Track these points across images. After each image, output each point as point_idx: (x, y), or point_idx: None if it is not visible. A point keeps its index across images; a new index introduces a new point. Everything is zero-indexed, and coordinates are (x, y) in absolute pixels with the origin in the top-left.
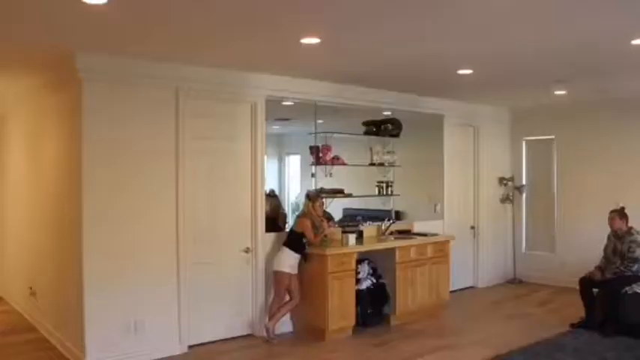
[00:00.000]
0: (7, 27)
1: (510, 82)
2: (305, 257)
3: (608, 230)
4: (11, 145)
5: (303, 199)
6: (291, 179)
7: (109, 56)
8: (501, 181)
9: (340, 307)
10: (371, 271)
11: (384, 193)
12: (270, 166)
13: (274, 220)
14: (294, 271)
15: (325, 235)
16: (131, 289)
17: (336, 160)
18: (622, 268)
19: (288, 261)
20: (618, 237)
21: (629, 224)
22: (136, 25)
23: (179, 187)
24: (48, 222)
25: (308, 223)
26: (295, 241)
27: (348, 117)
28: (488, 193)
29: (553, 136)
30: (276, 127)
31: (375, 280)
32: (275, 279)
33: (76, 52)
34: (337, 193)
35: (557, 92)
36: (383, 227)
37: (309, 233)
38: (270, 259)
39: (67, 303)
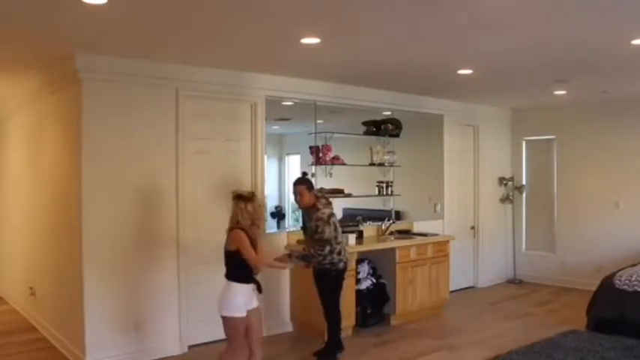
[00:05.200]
0: (8, 27)
1: (510, 82)
2: (259, 287)
3: (609, 229)
4: (11, 146)
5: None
6: (291, 179)
7: (109, 56)
8: (501, 181)
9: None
10: (371, 271)
11: (384, 193)
12: (270, 166)
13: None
14: (251, 306)
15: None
16: (131, 289)
17: (336, 160)
18: (313, 252)
19: (236, 298)
20: (308, 214)
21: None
22: (136, 25)
23: (179, 187)
24: (48, 222)
25: (242, 235)
26: (236, 267)
27: (348, 117)
28: (489, 193)
29: (553, 136)
30: (276, 127)
31: (375, 280)
32: (225, 326)
33: (75, 52)
34: (337, 193)
35: (557, 92)
36: (383, 227)
37: (248, 250)
38: None
39: (67, 303)
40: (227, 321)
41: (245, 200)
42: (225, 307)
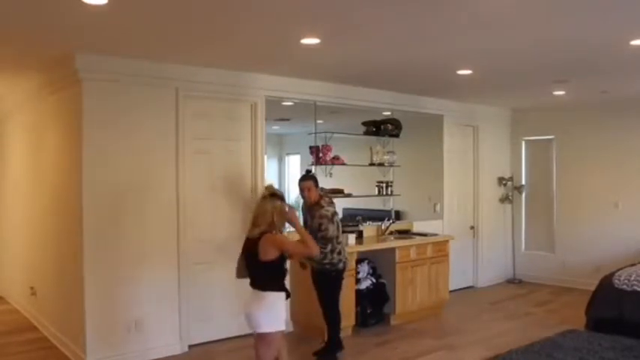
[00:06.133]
0: (8, 27)
1: (510, 82)
2: (288, 294)
3: (608, 229)
4: (11, 146)
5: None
6: (291, 179)
7: (109, 56)
8: (501, 181)
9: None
10: (371, 271)
11: (384, 193)
12: (270, 166)
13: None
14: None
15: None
16: (131, 289)
17: (336, 160)
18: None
19: (281, 310)
20: (310, 212)
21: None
22: (136, 25)
23: (179, 187)
24: (48, 222)
25: (279, 236)
26: (273, 274)
27: (348, 117)
28: (488, 193)
29: (553, 136)
30: (276, 127)
31: (375, 280)
32: (262, 344)
33: (76, 52)
34: (337, 193)
35: (557, 92)
36: (383, 227)
37: (294, 246)
38: None
39: (68, 303)
40: (268, 337)
41: (281, 199)
42: (270, 322)
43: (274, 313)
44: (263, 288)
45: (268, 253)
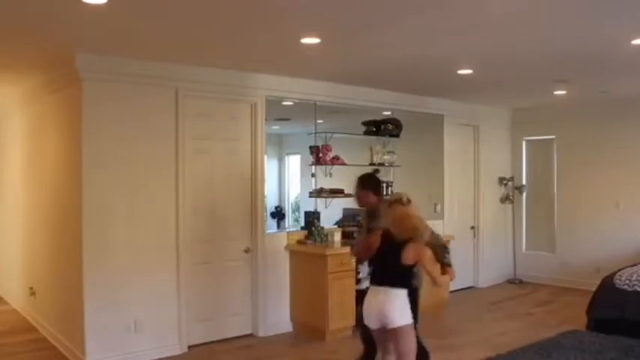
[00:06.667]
0: (8, 27)
1: (510, 82)
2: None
3: (609, 229)
4: (11, 146)
5: (302, 199)
6: (291, 179)
7: (109, 56)
8: (501, 181)
9: (340, 307)
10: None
11: (385, 193)
12: (270, 166)
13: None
14: None
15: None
16: (131, 289)
17: (336, 160)
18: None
19: (409, 306)
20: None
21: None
22: (136, 25)
23: (179, 187)
24: (48, 222)
25: (426, 256)
26: (407, 275)
27: (348, 117)
28: (488, 193)
29: (553, 136)
30: (276, 127)
31: None
32: (404, 339)
33: (76, 52)
34: (337, 193)
35: (558, 92)
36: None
37: (436, 268)
38: (272, 261)
39: (67, 303)
40: (407, 331)
41: (401, 202)
42: (405, 315)
43: (406, 306)
44: (395, 285)
45: (409, 257)
